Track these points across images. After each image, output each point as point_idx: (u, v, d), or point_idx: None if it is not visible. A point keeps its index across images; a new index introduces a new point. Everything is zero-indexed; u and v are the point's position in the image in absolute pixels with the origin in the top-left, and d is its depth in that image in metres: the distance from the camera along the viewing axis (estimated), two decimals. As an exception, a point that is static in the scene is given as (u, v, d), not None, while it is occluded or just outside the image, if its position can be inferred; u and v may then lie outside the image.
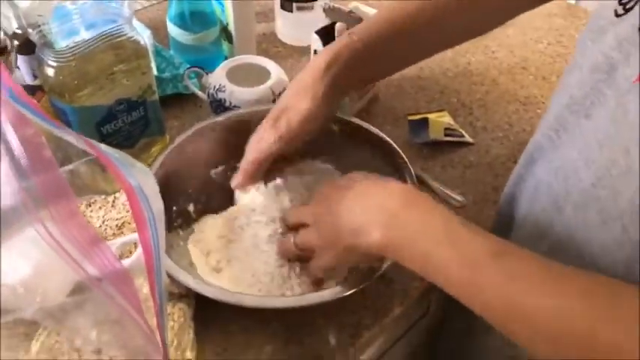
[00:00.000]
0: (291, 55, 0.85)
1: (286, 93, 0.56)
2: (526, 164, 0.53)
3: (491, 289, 0.39)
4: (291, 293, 0.51)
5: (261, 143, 0.54)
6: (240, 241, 0.54)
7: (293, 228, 0.53)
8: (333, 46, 0.55)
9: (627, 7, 0.41)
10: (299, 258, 0.52)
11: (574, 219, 0.44)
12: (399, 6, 0.57)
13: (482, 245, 0.40)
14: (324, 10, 0.73)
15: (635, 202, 0.38)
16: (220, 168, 0.61)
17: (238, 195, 0.57)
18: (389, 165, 0.58)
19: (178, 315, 0.47)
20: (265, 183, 0.56)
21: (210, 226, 0.56)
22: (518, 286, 0.38)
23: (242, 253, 0.53)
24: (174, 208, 0.57)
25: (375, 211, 0.44)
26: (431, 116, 0.72)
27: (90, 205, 0.54)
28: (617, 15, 0.41)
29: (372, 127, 0.61)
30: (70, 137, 0.40)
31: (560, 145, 0.47)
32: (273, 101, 0.65)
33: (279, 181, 0.56)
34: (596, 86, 0.42)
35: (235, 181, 0.56)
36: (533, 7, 0.58)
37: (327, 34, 0.71)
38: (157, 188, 0.39)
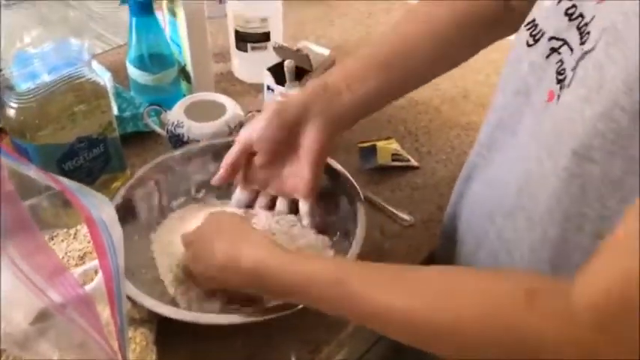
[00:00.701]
0: (248, 92, 0.90)
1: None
2: (464, 182, 0.58)
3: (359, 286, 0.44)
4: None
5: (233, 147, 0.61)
6: None
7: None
8: (279, 103, 0.60)
9: (536, 38, 0.47)
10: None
11: (504, 227, 0.49)
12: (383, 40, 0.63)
13: (323, 273, 0.46)
14: (274, 48, 0.78)
15: (550, 206, 0.43)
16: (181, 199, 0.64)
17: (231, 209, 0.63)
18: (341, 189, 0.62)
19: (140, 339, 0.48)
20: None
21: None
22: (368, 296, 0.43)
23: None
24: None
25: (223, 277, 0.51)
26: (379, 143, 0.77)
27: (52, 239, 0.56)
28: (529, 45, 0.47)
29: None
30: (32, 172, 0.42)
31: (491, 161, 0.53)
32: (230, 134, 0.69)
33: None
34: (518, 107, 0.48)
35: (215, 178, 0.61)
36: (492, 41, 0.64)
37: (277, 71, 0.76)
38: (115, 217, 0.42)
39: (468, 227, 0.57)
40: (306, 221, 0.61)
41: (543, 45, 0.45)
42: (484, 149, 0.54)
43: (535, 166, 0.44)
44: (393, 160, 0.75)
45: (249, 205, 0.64)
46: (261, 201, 0.63)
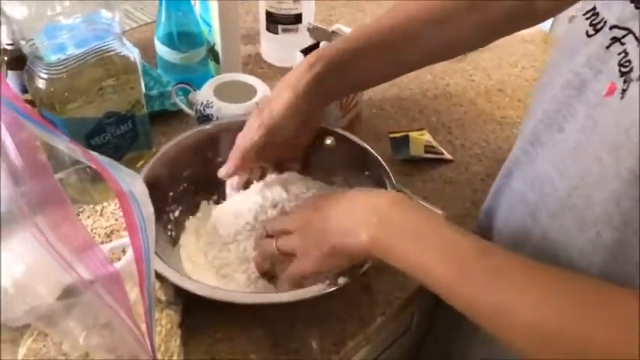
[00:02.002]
0: (275, 76, 0.88)
1: (272, 91, 0.59)
2: (503, 177, 0.55)
3: (477, 288, 0.40)
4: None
5: (245, 132, 0.57)
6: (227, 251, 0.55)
7: (275, 235, 0.53)
8: (318, 50, 0.58)
9: (597, 27, 0.43)
10: (276, 261, 0.53)
11: (550, 227, 0.46)
12: (385, 17, 0.60)
13: (467, 245, 0.41)
14: (309, 29, 0.75)
15: (607, 208, 0.40)
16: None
17: (229, 192, 0.59)
18: (372, 179, 0.60)
19: (166, 321, 0.47)
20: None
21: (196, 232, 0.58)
22: (504, 284, 0.39)
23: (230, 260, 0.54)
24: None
25: (363, 213, 0.46)
26: (412, 134, 0.75)
27: (79, 214, 0.54)
28: (589, 35, 0.44)
29: (357, 139, 0.63)
30: (64, 144, 0.41)
31: (535, 157, 0.50)
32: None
33: (269, 178, 0.59)
34: (567, 101, 0.45)
35: (222, 170, 0.58)
36: (510, 32, 0.61)
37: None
38: (147, 193, 0.40)
39: (506, 225, 0.54)
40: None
41: (604, 35, 0.42)
42: (527, 144, 0.51)
43: (592, 165, 0.41)
44: (426, 152, 0.72)
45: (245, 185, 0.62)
46: (256, 175, 0.62)
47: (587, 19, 0.44)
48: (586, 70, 0.43)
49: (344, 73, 0.58)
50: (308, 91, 0.56)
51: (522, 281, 0.39)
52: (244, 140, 0.57)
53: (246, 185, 0.61)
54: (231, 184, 0.61)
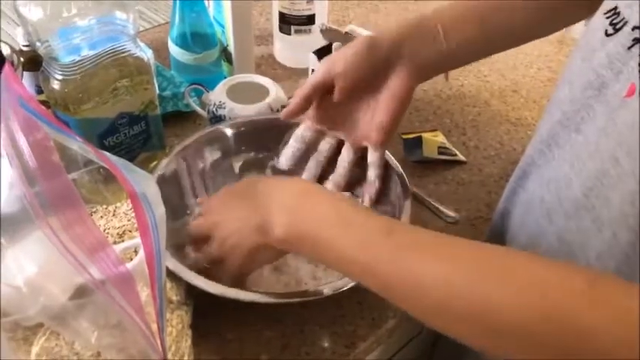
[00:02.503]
0: (289, 77, 0.88)
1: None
2: (518, 179, 0.55)
3: (385, 265, 0.39)
4: None
5: (312, 74, 0.57)
6: None
7: (198, 242, 0.53)
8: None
9: (617, 27, 0.43)
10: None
11: (566, 228, 0.46)
12: None
13: (373, 225, 0.41)
14: (321, 30, 0.75)
15: (624, 209, 0.39)
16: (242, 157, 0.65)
17: (291, 143, 0.61)
18: (385, 180, 0.60)
19: (177, 321, 0.47)
20: None
21: None
22: (411, 257, 0.38)
23: None
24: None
25: (274, 208, 0.46)
26: (425, 135, 0.74)
27: (92, 215, 0.55)
28: (608, 34, 0.43)
29: None
30: (77, 144, 0.41)
31: (551, 158, 0.49)
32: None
33: None
34: (586, 102, 0.44)
35: (284, 111, 0.58)
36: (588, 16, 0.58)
37: (324, 54, 0.73)
38: (159, 195, 0.41)
39: (521, 226, 0.54)
40: (372, 173, 0.58)
41: (625, 35, 0.41)
42: (543, 145, 0.50)
43: (609, 166, 0.40)
44: (440, 154, 0.72)
45: (311, 144, 0.60)
46: (325, 145, 0.60)
47: (606, 18, 0.43)
48: (607, 71, 0.43)
49: (428, 38, 0.55)
50: (383, 45, 0.54)
51: (429, 253, 0.38)
52: (309, 79, 0.56)
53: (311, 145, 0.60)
54: (300, 136, 0.60)
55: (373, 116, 0.56)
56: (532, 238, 0.51)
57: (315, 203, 0.45)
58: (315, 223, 0.43)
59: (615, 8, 0.43)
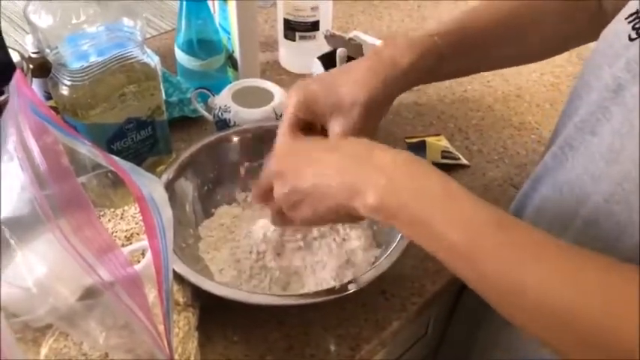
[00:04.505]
0: (294, 82, 0.88)
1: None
2: (532, 183, 0.54)
3: (488, 259, 0.36)
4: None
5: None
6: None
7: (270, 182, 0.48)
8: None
9: None
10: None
11: (584, 234, 0.45)
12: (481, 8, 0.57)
13: (482, 214, 0.38)
14: (326, 37, 0.76)
15: None
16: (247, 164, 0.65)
17: None
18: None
19: (184, 323, 0.48)
20: None
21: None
22: (518, 257, 0.36)
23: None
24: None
25: (370, 172, 0.41)
26: (429, 139, 0.75)
27: (100, 218, 0.56)
28: (631, 39, 0.43)
29: None
30: (86, 148, 0.42)
31: (565, 161, 0.49)
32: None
33: None
34: (602, 104, 0.44)
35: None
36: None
37: (328, 60, 0.74)
38: (166, 197, 0.41)
39: None
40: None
41: None
42: (557, 148, 0.50)
43: (629, 170, 0.40)
44: (443, 158, 0.72)
45: None
46: None
47: (629, 22, 0.43)
48: (624, 74, 0.42)
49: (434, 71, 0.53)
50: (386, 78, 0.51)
51: (544, 259, 0.36)
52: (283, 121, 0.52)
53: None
54: None
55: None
56: None
57: (420, 175, 0.40)
58: (416, 196, 0.39)
59: (637, 12, 0.43)
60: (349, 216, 0.44)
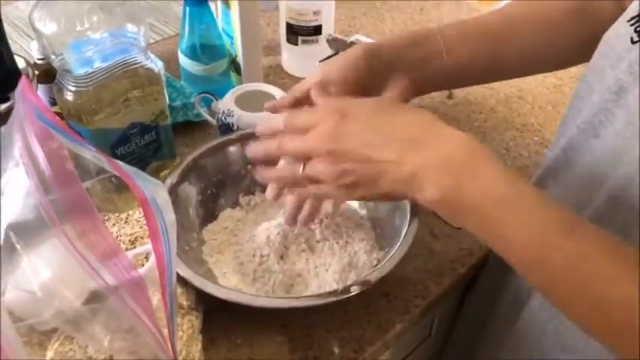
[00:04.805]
0: (296, 86, 0.89)
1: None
2: (536, 186, 0.54)
3: (560, 269, 0.36)
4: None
5: (305, 80, 0.54)
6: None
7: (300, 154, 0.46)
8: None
9: None
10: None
11: None
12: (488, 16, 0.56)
13: (554, 218, 0.37)
14: (327, 41, 0.76)
15: None
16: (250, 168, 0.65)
17: None
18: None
19: (187, 326, 0.48)
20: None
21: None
22: (592, 269, 0.35)
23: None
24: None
25: (432, 162, 0.39)
26: (431, 142, 0.75)
27: (104, 222, 0.56)
28: (633, 42, 0.43)
29: None
30: (90, 153, 0.42)
31: (569, 164, 0.49)
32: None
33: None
34: (605, 106, 0.44)
35: (269, 102, 0.54)
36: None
37: (330, 64, 0.74)
38: (169, 201, 0.42)
39: None
40: None
41: None
42: (560, 151, 0.50)
43: (634, 171, 0.40)
44: (445, 160, 0.72)
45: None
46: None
47: (631, 25, 0.44)
48: (627, 76, 0.43)
49: (430, 52, 0.52)
50: (382, 55, 0.52)
51: (613, 269, 0.35)
52: (302, 82, 0.53)
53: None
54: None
55: None
56: None
57: (485, 170, 0.38)
58: (482, 194, 0.38)
59: (639, 15, 0.43)
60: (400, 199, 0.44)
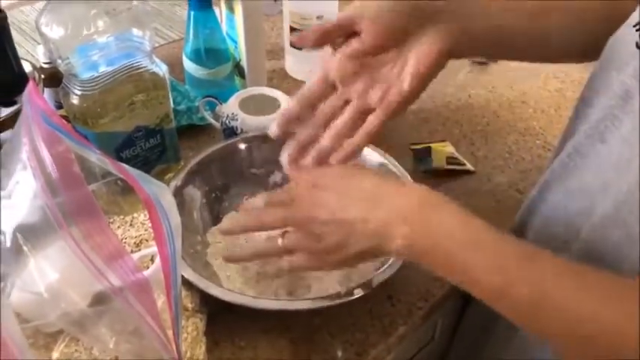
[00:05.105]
0: (299, 89, 0.89)
1: None
2: (540, 190, 0.54)
3: (525, 293, 0.38)
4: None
5: (339, 13, 0.50)
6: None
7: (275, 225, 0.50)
8: None
9: None
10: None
11: (593, 242, 0.45)
12: None
13: (511, 250, 0.40)
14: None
15: None
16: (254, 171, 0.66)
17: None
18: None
19: (192, 328, 0.48)
20: None
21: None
22: (556, 291, 0.37)
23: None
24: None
25: (393, 216, 0.43)
26: (434, 145, 0.75)
27: (109, 224, 0.56)
28: (638, 46, 0.43)
29: (380, 150, 0.64)
30: (95, 156, 0.43)
31: (574, 169, 0.49)
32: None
33: None
34: (611, 112, 0.44)
35: (301, 34, 0.51)
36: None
37: (334, 68, 0.75)
38: (174, 204, 0.42)
39: (540, 239, 0.53)
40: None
41: None
42: (565, 156, 0.50)
43: (636, 177, 0.40)
44: (448, 164, 0.73)
45: (315, 100, 0.51)
46: (327, 107, 0.51)
47: (637, 30, 0.44)
48: (632, 81, 0.43)
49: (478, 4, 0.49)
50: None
51: (572, 290, 0.37)
52: (336, 16, 0.49)
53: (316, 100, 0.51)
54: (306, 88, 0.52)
55: (392, 78, 0.48)
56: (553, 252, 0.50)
57: (441, 217, 0.42)
58: (442, 239, 0.41)
59: None
60: (374, 259, 0.48)
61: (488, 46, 0.51)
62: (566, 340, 0.39)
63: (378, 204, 0.44)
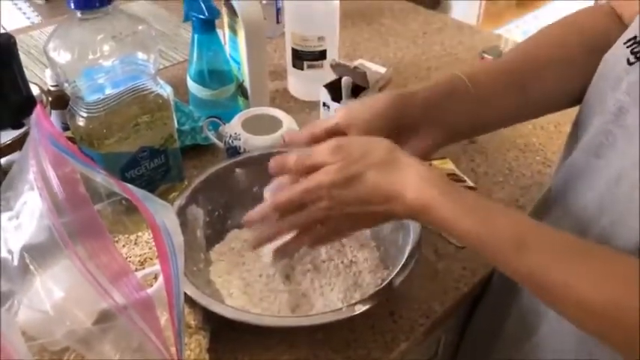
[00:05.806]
0: (302, 109, 0.91)
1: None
2: (541, 206, 0.55)
3: (525, 275, 0.41)
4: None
5: (326, 119, 0.54)
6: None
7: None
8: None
9: (638, 55, 0.44)
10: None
11: None
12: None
13: (522, 219, 0.42)
14: (331, 65, 0.78)
15: None
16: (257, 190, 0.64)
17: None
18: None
19: (195, 345, 0.49)
20: None
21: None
22: (551, 276, 0.39)
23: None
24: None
25: (415, 172, 0.44)
26: (434, 162, 0.76)
27: (114, 243, 0.57)
28: (630, 63, 0.44)
29: None
30: (100, 177, 0.44)
31: (571, 186, 0.50)
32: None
33: None
34: (605, 128, 0.45)
35: (290, 133, 0.57)
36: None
37: (334, 88, 0.76)
38: (177, 223, 0.43)
39: None
40: None
41: None
42: (565, 172, 0.51)
43: (635, 192, 0.41)
44: (449, 180, 0.74)
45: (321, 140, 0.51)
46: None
47: (627, 47, 0.45)
48: (625, 97, 0.44)
49: (454, 98, 0.53)
50: (416, 105, 0.52)
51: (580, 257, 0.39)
52: (322, 120, 0.53)
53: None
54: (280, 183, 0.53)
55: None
56: None
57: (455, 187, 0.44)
58: (460, 201, 0.43)
59: (635, 37, 0.45)
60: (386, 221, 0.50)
61: (477, 132, 0.59)
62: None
63: (394, 168, 0.45)
